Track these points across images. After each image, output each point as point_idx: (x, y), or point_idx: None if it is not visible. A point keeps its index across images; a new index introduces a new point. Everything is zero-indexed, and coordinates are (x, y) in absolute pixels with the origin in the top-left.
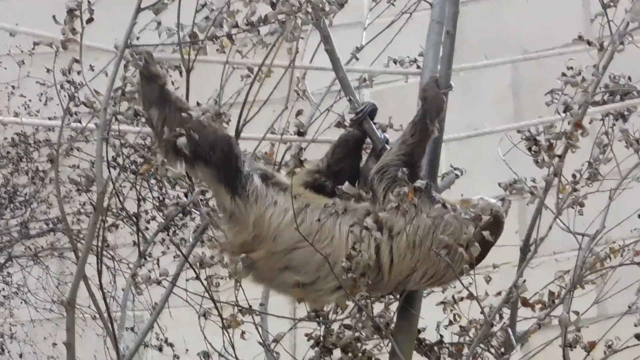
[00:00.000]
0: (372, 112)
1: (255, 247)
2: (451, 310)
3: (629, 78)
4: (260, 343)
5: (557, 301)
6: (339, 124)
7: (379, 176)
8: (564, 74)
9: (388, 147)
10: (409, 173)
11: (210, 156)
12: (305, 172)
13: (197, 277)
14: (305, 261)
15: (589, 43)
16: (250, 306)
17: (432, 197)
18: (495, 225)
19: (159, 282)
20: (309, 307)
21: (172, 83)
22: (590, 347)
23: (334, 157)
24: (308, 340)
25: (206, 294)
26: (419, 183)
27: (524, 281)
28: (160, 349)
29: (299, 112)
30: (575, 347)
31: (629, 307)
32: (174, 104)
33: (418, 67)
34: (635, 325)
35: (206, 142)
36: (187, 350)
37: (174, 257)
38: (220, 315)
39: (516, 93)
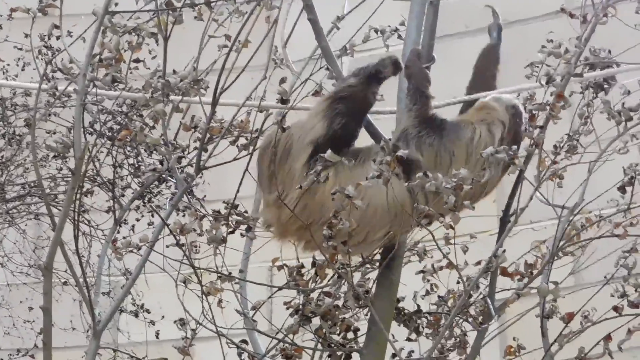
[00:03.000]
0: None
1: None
2: (428, 281)
3: (609, 51)
4: (238, 311)
5: (535, 272)
6: (316, 93)
7: (404, 140)
8: (544, 47)
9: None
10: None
11: None
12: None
13: (177, 243)
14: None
15: (572, 15)
16: (230, 273)
17: None
18: (517, 118)
19: (139, 248)
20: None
21: (149, 52)
22: (568, 318)
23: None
24: (287, 309)
25: (185, 261)
26: (401, 152)
27: (504, 251)
28: (136, 315)
29: (282, 80)
30: (551, 318)
31: (605, 277)
32: None
33: (399, 36)
34: (612, 296)
35: None
36: (162, 317)
37: (148, 224)
38: (200, 282)
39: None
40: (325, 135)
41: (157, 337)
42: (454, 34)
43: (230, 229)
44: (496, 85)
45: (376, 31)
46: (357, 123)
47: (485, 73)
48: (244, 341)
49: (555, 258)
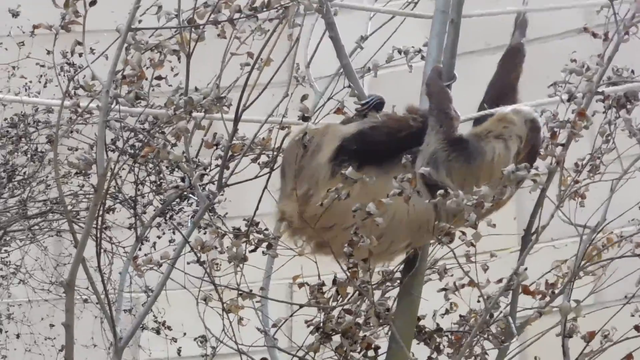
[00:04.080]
0: (378, 105)
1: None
2: (448, 299)
3: (632, 71)
4: (258, 329)
5: (556, 291)
6: (338, 111)
7: (434, 164)
8: (567, 66)
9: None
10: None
11: None
12: None
13: (198, 261)
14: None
15: (595, 35)
16: (251, 290)
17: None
18: (535, 132)
19: (160, 265)
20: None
21: (171, 69)
22: (589, 337)
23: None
24: (308, 327)
25: (206, 277)
26: (422, 170)
27: (526, 269)
28: (157, 332)
29: (304, 97)
30: (572, 337)
31: (626, 296)
32: None
33: (422, 57)
34: (632, 315)
35: None
36: (184, 334)
37: (170, 241)
38: (220, 299)
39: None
40: (355, 134)
41: (179, 354)
42: (475, 52)
43: (252, 247)
44: (518, 87)
45: (399, 52)
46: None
47: (509, 75)
48: (265, 359)
49: (576, 278)
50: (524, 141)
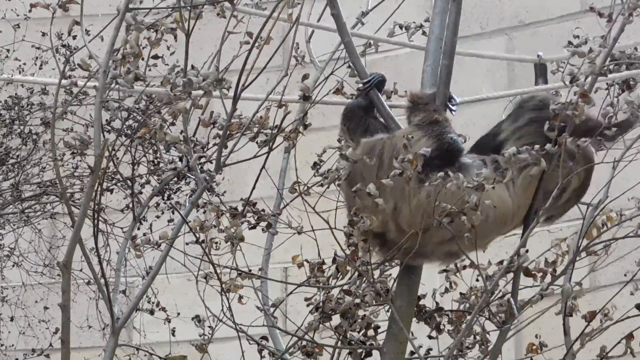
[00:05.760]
0: (379, 83)
1: None
2: (447, 279)
3: (635, 48)
4: (258, 308)
5: (558, 270)
6: (338, 91)
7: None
8: (570, 43)
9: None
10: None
11: None
12: None
13: (197, 241)
14: None
15: (601, 15)
16: (250, 270)
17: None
18: None
19: (158, 245)
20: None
21: (167, 48)
22: (590, 317)
23: (350, 134)
24: (307, 305)
25: (205, 258)
26: (422, 150)
27: (527, 250)
28: (152, 313)
29: (305, 77)
30: (571, 316)
31: (625, 275)
32: None
33: (424, 32)
34: (632, 294)
35: None
36: (178, 313)
37: (168, 221)
38: (219, 279)
39: (510, 63)
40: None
41: (173, 334)
42: (470, 36)
43: (251, 226)
44: None
45: (401, 27)
46: None
47: None
48: (265, 338)
49: (578, 258)
50: None
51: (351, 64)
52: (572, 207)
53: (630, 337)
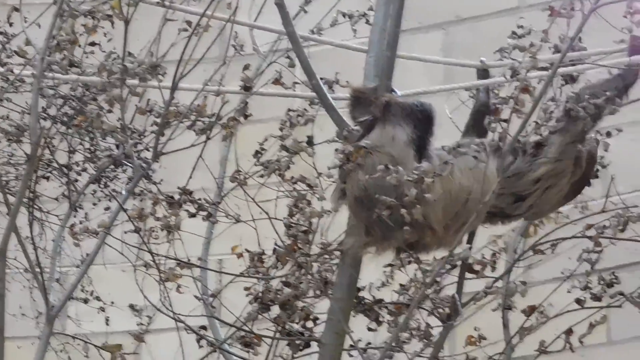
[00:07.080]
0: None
1: None
2: (387, 273)
3: (580, 39)
4: (197, 297)
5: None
6: (276, 81)
7: None
8: (514, 33)
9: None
10: None
11: None
12: None
13: (136, 230)
14: None
15: (552, 9)
16: (189, 260)
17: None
18: None
19: (96, 233)
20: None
21: (104, 35)
22: (529, 311)
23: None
24: (247, 295)
25: (143, 247)
26: (363, 142)
27: (470, 248)
28: (85, 301)
29: (246, 67)
30: (510, 309)
31: (562, 273)
32: None
33: (367, 21)
34: (568, 292)
35: None
36: (112, 302)
37: (105, 209)
38: (157, 268)
39: (447, 57)
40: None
41: (107, 323)
42: (407, 30)
43: (191, 214)
44: None
45: (344, 15)
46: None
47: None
48: (203, 327)
49: (522, 258)
50: None
51: (289, 55)
52: (570, 200)
53: (569, 332)
